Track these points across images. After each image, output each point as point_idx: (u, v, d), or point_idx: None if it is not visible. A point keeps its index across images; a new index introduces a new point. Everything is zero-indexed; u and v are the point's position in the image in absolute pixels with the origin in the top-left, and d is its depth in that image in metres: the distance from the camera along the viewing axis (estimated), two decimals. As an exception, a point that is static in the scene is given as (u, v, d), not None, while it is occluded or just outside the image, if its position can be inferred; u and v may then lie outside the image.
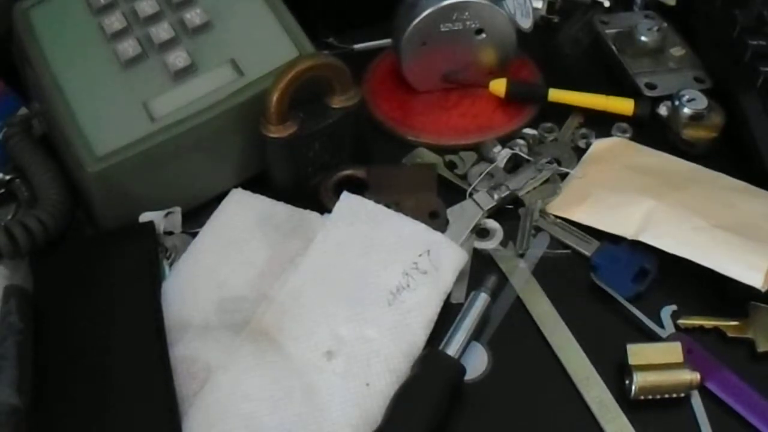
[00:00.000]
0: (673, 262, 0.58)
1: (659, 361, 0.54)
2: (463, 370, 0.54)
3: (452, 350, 0.55)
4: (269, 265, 0.59)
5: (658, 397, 0.53)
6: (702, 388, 0.54)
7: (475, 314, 0.56)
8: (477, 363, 0.56)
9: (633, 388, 0.53)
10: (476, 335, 0.57)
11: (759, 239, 0.57)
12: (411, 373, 0.54)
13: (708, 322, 0.57)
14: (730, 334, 0.57)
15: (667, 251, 0.58)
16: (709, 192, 0.62)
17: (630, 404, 0.54)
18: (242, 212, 0.62)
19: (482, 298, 0.57)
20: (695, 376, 0.53)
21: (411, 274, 0.57)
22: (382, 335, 0.55)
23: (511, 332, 0.58)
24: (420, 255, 0.58)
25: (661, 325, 0.57)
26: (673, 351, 0.54)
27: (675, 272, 0.59)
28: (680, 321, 0.57)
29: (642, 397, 0.53)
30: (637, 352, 0.54)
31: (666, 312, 0.58)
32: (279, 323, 0.56)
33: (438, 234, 0.60)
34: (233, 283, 0.58)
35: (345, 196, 0.61)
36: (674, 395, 0.53)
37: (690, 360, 0.54)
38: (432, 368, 0.54)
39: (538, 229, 0.63)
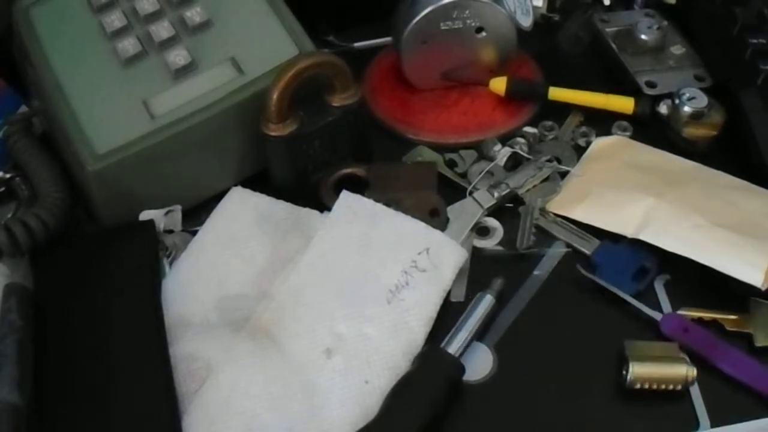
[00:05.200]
0: (673, 260, 0.58)
1: (656, 354, 0.54)
2: (462, 368, 0.54)
3: (453, 349, 0.55)
4: (269, 263, 0.59)
5: (655, 387, 0.54)
6: (702, 366, 0.54)
7: (478, 315, 0.57)
8: (482, 365, 0.56)
9: (628, 377, 0.53)
10: (481, 337, 0.57)
11: (759, 237, 0.57)
12: (410, 369, 0.54)
13: (707, 315, 0.57)
14: (728, 328, 0.57)
15: (668, 249, 0.58)
16: (709, 190, 0.62)
17: (630, 396, 0.54)
18: (242, 210, 0.62)
19: (487, 300, 0.57)
20: (692, 371, 0.53)
21: (410, 273, 0.57)
22: (382, 333, 0.55)
23: (517, 334, 0.58)
24: (419, 253, 0.58)
25: (659, 310, 0.57)
26: (671, 349, 0.55)
27: (675, 269, 0.59)
28: (681, 311, 0.58)
29: (638, 386, 0.53)
30: (635, 347, 0.55)
31: (659, 284, 0.59)
32: (279, 321, 0.56)
33: (437, 232, 0.60)
34: (233, 281, 0.58)
35: (344, 194, 0.61)
36: (671, 387, 0.54)
37: (688, 338, 0.55)
38: (430, 364, 0.54)
39: (539, 228, 0.63)
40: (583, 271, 0.59)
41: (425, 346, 0.55)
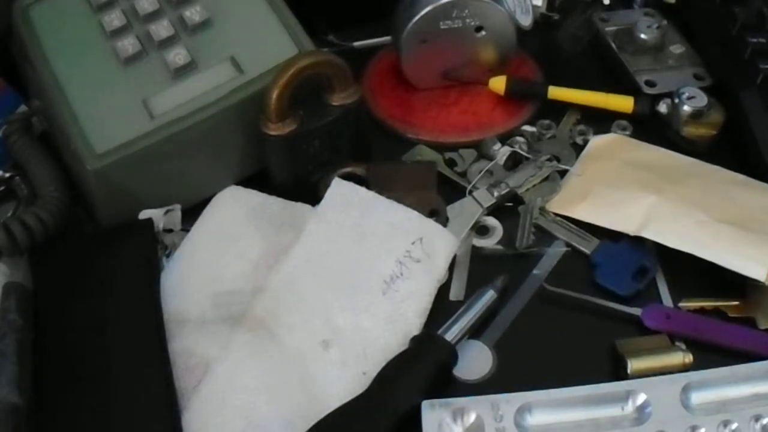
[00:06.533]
0: (671, 253, 0.58)
1: (649, 347, 0.55)
2: (455, 354, 0.54)
3: (449, 336, 0.55)
4: (263, 257, 0.59)
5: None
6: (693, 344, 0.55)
7: (478, 308, 0.57)
8: (482, 364, 0.56)
9: (629, 373, 0.54)
10: (481, 336, 0.57)
11: (760, 233, 0.57)
12: (403, 349, 0.54)
13: (709, 303, 0.58)
14: (731, 314, 0.57)
15: (670, 246, 0.58)
16: (709, 186, 0.62)
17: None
18: (235, 207, 0.62)
19: (489, 295, 0.57)
20: (688, 357, 0.54)
21: (404, 263, 0.58)
22: (377, 325, 0.55)
23: (516, 333, 0.58)
24: (413, 243, 0.58)
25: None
26: (661, 340, 0.56)
27: (674, 262, 0.59)
28: (681, 303, 0.58)
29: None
30: (626, 344, 0.55)
31: (660, 278, 0.59)
32: (274, 312, 0.56)
33: (430, 221, 0.60)
34: (228, 276, 0.59)
35: (336, 182, 0.61)
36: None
37: (671, 325, 0.56)
38: (423, 346, 0.54)
39: (538, 227, 0.63)
40: (595, 277, 0.59)
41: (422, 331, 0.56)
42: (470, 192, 0.65)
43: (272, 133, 0.60)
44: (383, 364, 0.53)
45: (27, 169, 0.63)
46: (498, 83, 0.70)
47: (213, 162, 0.63)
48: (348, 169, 0.64)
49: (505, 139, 0.68)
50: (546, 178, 0.65)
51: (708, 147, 0.67)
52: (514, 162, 0.67)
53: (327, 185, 0.62)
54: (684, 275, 0.59)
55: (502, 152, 0.66)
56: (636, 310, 0.57)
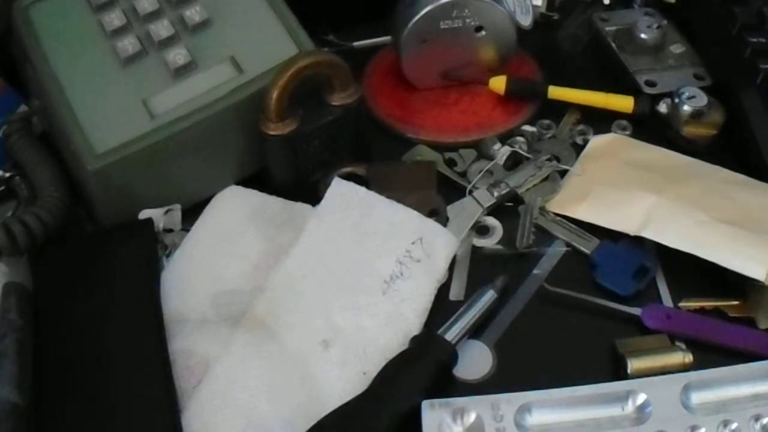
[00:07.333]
0: (672, 253, 0.58)
1: (649, 347, 0.55)
2: (454, 353, 0.54)
3: (449, 336, 0.55)
4: (263, 257, 0.59)
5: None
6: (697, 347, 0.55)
7: (478, 308, 0.57)
8: (482, 364, 0.56)
9: (629, 373, 0.54)
10: (481, 336, 0.57)
11: (760, 232, 0.57)
12: (404, 349, 0.54)
13: (709, 303, 0.58)
14: (731, 314, 0.57)
15: (670, 246, 0.58)
16: (709, 185, 0.62)
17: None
18: (235, 206, 0.62)
19: (489, 295, 0.57)
20: (688, 357, 0.54)
21: (404, 263, 0.58)
22: (377, 325, 0.55)
23: (516, 333, 0.58)
24: (413, 243, 0.58)
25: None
26: (661, 339, 0.56)
27: (674, 262, 0.59)
28: (682, 303, 0.58)
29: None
30: (626, 344, 0.55)
31: (660, 278, 0.59)
32: (274, 311, 0.56)
33: (430, 221, 0.60)
34: (228, 276, 0.59)
35: (336, 182, 0.61)
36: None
37: (671, 325, 0.56)
38: (423, 346, 0.54)
39: (538, 227, 0.63)
40: (596, 277, 0.59)
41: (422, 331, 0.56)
42: (470, 192, 0.65)
43: (272, 133, 0.60)
44: (383, 363, 0.53)
45: (27, 169, 0.63)
46: (498, 83, 0.70)
47: (213, 162, 0.63)
48: (348, 169, 0.64)
49: (505, 138, 0.68)
50: (546, 178, 0.65)
51: (708, 147, 0.67)
52: (514, 162, 0.67)
53: (327, 185, 0.62)
54: (684, 275, 0.59)
55: (502, 152, 0.66)
56: (636, 310, 0.57)
